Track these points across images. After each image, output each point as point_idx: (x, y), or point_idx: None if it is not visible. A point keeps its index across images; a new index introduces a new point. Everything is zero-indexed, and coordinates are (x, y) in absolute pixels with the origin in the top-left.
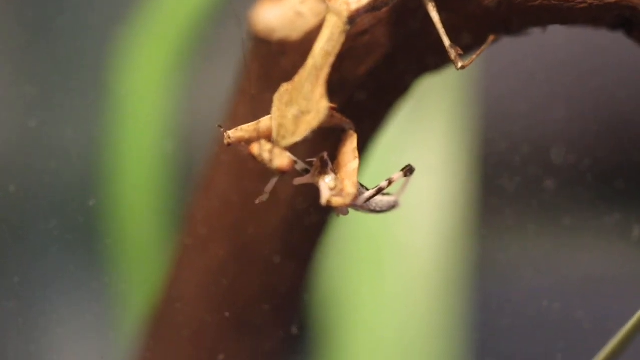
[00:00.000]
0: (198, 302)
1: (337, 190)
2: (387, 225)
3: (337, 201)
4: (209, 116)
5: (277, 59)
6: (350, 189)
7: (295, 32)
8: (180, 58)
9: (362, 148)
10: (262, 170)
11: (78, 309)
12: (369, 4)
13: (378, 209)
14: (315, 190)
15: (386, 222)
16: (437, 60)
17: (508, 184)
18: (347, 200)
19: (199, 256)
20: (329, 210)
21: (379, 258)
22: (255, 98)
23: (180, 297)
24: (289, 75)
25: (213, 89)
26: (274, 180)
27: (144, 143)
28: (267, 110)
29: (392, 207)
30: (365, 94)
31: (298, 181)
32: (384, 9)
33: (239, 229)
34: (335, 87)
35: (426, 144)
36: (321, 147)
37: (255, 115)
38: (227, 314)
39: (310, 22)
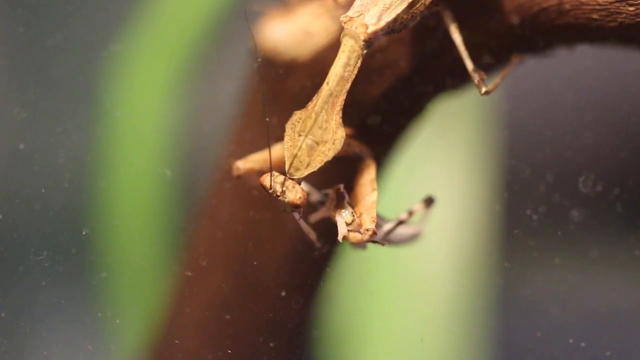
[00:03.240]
0: (199, 338)
1: (354, 225)
2: (401, 256)
3: (355, 237)
4: (209, 138)
5: (285, 81)
6: (368, 224)
7: (304, 51)
8: (178, 77)
9: (377, 173)
10: (269, 200)
11: (71, 346)
12: (387, 26)
13: (399, 241)
14: (324, 220)
15: (400, 253)
16: (456, 81)
17: (532, 213)
18: (366, 236)
19: (200, 289)
20: (337, 241)
21: (392, 291)
22: (261, 121)
23: (180, 333)
24: (297, 98)
25: (214, 110)
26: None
27: (141, 167)
28: (274, 135)
29: (414, 238)
30: (380, 116)
31: (314, 218)
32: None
33: (242, 261)
34: (348, 109)
35: (446, 171)
36: (335, 174)
37: (262, 140)
38: (229, 352)
39: (320, 42)
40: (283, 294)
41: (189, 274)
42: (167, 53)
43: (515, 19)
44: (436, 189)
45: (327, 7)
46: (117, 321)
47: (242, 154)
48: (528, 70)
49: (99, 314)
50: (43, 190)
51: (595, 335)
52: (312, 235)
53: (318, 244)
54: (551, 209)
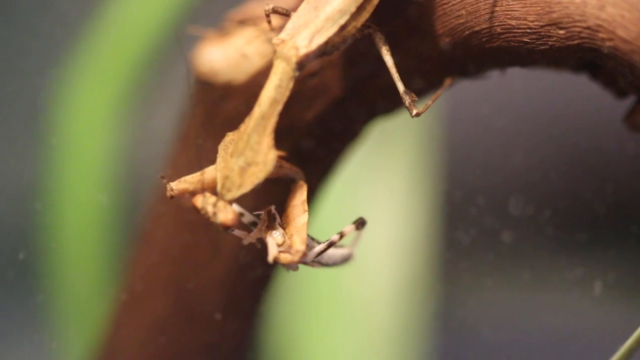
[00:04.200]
0: None
1: (285, 246)
2: (339, 278)
3: (285, 258)
4: (150, 163)
5: (220, 104)
6: (299, 245)
7: (240, 74)
8: (118, 103)
9: (310, 197)
10: (204, 222)
11: None
12: (318, 49)
13: (330, 262)
14: (260, 243)
15: (338, 274)
16: (389, 104)
17: (463, 236)
18: (296, 257)
19: (137, 312)
20: (275, 264)
21: (330, 312)
22: (197, 145)
23: (118, 356)
24: (232, 121)
25: (154, 134)
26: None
27: (80, 192)
28: (209, 158)
29: (345, 260)
30: (314, 140)
31: (247, 241)
32: (334, 54)
33: (179, 284)
34: (283, 133)
35: (381, 194)
36: (268, 196)
37: (198, 164)
38: None
39: (256, 65)
40: (218, 316)
41: (126, 297)
42: (107, 79)
43: (447, 43)
44: (371, 212)
45: (262, 31)
46: (54, 344)
47: (178, 177)
48: (460, 93)
49: (36, 337)
50: None
51: (528, 356)
52: (250, 239)
53: (257, 245)
54: (483, 231)
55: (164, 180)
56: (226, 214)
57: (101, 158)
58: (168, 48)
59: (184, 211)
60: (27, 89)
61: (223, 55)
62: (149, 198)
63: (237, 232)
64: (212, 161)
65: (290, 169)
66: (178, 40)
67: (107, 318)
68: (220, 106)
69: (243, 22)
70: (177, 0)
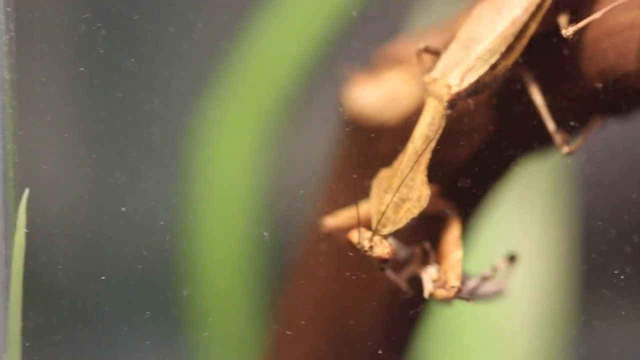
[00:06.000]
0: None
1: (440, 282)
2: (481, 313)
3: (440, 294)
4: (298, 195)
5: (372, 142)
6: (454, 281)
7: (390, 113)
8: (267, 132)
9: (463, 233)
10: (364, 261)
11: None
12: (470, 87)
13: (482, 298)
14: (417, 280)
15: (484, 310)
16: (541, 143)
17: (620, 273)
18: (451, 293)
19: (297, 348)
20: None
21: (473, 346)
22: (352, 182)
23: None
24: (386, 160)
25: (303, 165)
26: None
27: (235, 228)
28: (364, 196)
29: (498, 295)
30: (465, 177)
31: (402, 276)
32: (485, 92)
33: (339, 320)
34: (435, 170)
35: (531, 230)
36: (421, 232)
37: (352, 200)
38: None
39: (406, 104)
40: (380, 352)
41: (286, 332)
42: (256, 106)
43: (598, 83)
44: (520, 247)
45: (413, 72)
46: None
47: (332, 212)
48: (611, 132)
49: None
50: (145, 253)
51: None
52: (403, 284)
53: (410, 292)
54: (638, 269)
55: (319, 216)
56: (383, 248)
57: (250, 189)
58: (317, 83)
59: (344, 249)
60: (184, 126)
61: (374, 97)
62: (307, 234)
63: (388, 273)
64: (366, 197)
65: (443, 205)
66: (331, 78)
67: (267, 353)
68: (372, 143)
69: (391, 61)
70: (321, 34)
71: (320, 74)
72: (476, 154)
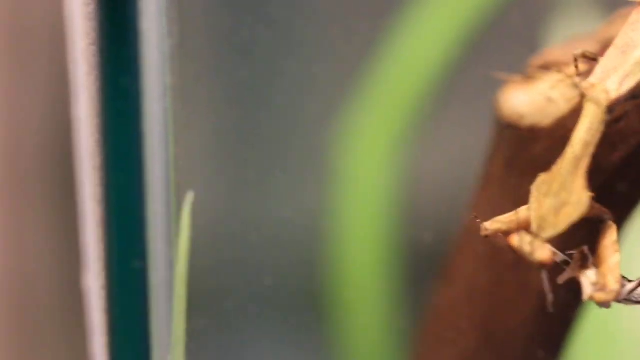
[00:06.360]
0: None
1: (599, 286)
2: (619, 315)
3: (600, 297)
4: (452, 197)
5: (527, 145)
6: (613, 285)
7: (545, 118)
8: (406, 134)
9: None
10: (515, 260)
11: None
12: (629, 92)
13: (638, 301)
14: (572, 282)
15: (618, 312)
16: None
17: None
18: (611, 296)
19: (448, 347)
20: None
21: (610, 349)
22: (507, 185)
23: None
24: (538, 162)
25: (443, 168)
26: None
27: (377, 231)
28: (513, 197)
29: None
30: (619, 181)
31: (562, 279)
32: None
33: (490, 318)
34: (589, 174)
35: None
36: (576, 236)
37: (509, 204)
38: None
39: (561, 109)
40: (533, 350)
41: (436, 331)
42: (394, 111)
43: None
44: None
45: (567, 76)
46: None
47: (483, 215)
48: None
49: None
50: (305, 255)
51: None
52: (549, 296)
53: (551, 308)
54: None
55: (478, 220)
56: (543, 252)
57: (390, 192)
58: (468, 84)
59: (495, 250)
60: (316, 125)
61: (528, 99)
62: (457, 236)
63: (543, 276)
64: (516, 200)
65: (599, 210)
66: (488, 80)
67: (413, 353)
68: (525, 148)
69: (546, 67)
70: (464, 37)
71: (473, 77)
72: (628, 156)
